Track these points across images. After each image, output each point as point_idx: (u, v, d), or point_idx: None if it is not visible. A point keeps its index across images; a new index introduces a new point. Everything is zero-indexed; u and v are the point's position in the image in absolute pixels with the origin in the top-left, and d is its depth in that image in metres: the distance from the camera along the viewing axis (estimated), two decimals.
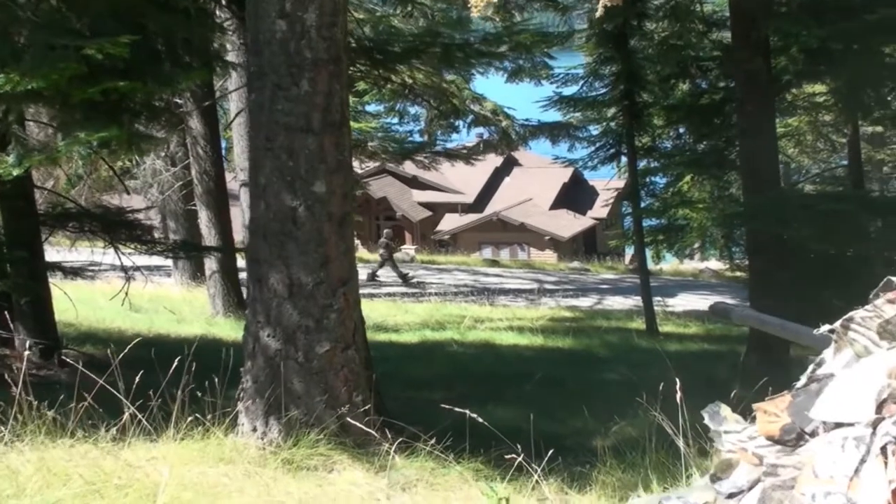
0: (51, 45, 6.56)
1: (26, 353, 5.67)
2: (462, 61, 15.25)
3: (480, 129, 22.23)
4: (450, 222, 43.99)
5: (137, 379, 5.00)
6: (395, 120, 25.38)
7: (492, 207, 43.75)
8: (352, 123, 7.05)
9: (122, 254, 10.60)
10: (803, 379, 2.74)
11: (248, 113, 9.76)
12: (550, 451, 4.78)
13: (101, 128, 7.10)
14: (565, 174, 40.54)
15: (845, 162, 20.11)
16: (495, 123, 20.52)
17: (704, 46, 17.33)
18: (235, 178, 17.53)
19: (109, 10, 7.09)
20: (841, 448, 2.37)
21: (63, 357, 9.38)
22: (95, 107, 7.05)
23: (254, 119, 6.40)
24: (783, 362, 11.06)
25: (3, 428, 4.74)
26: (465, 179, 40.82)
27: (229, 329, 14.46)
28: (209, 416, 5.32)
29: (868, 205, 12.84)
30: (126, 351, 5.30)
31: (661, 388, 5.12)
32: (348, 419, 5.88)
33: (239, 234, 17.18)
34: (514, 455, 4.58)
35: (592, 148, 20.45)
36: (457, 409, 4.89)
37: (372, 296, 21.80)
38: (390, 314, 18.74)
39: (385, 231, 29.66)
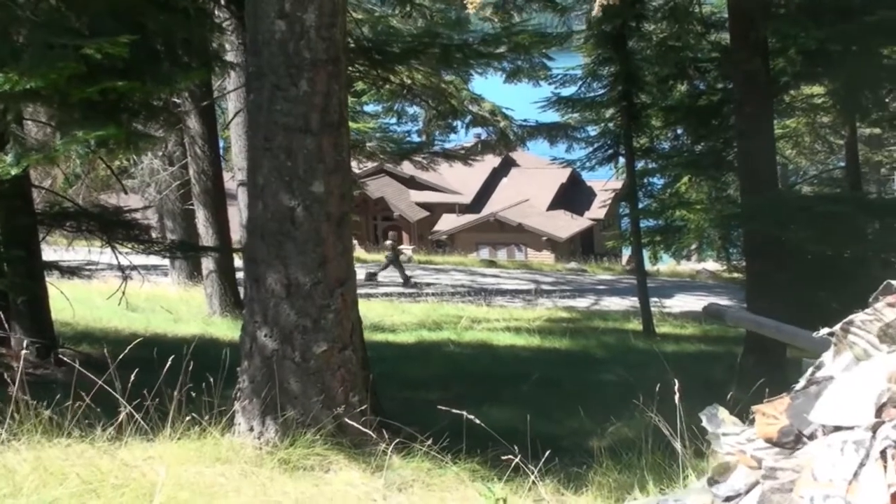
0: (50, 45, 6.55)
1: (23, 352, 5.66)
2: (461, 62, 15.24)
3: (478, 130, 22.25)
4: (447, 223, 43.99)
5: (133, 378, 4.99)
6: (394, 120, 25.39)
7: (489, 208, 43.74)
8: (350, 123, 7.04)
9: (120, 253, 10.59)
10: (802, 381, 2.74)
11: (246, 113, 9.74)
12: (547, 452, 4.78)
13: (99, 127, 7.09)
14: (563, 175, 40.54)
15: (843, 163, 20.14)
16: (493, 124, 20.52)
17: (703, 48, 17.36)
18: (233, 178, 17.50)
19: (108, 10, 7.08)
20: (840, 451, 2.37)
21: (59, 356, 9.37)
22: (94, 106, 7.04)
23: (252, 119, 6.39)
24: (780, 364, 11.07)
25: None
26: (462, 180, 40.82)
27: (226, 329, 14.45)
28: (206, 416, 5.32)
29: (865, 206, 12.87)
30: (123, 350, 5.30)
31: (657, 389, 5.13)
32: (345, 419, 5.88)
33: (236, 234, 17.16)
34: (510, 456, 4.58)
35: (590, 149, 20.47)
36: (454, 410, 4.89)
37: (369, 296, 21.79)
38: (387, 314, 18.74)
39: (391, 233, 29.67)
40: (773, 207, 12.06)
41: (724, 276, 26.97)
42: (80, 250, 13.58)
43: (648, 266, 25.46)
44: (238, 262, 16.66)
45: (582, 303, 24.02)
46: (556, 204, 43.39)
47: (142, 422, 5.00)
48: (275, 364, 6.03)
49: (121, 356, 5.16)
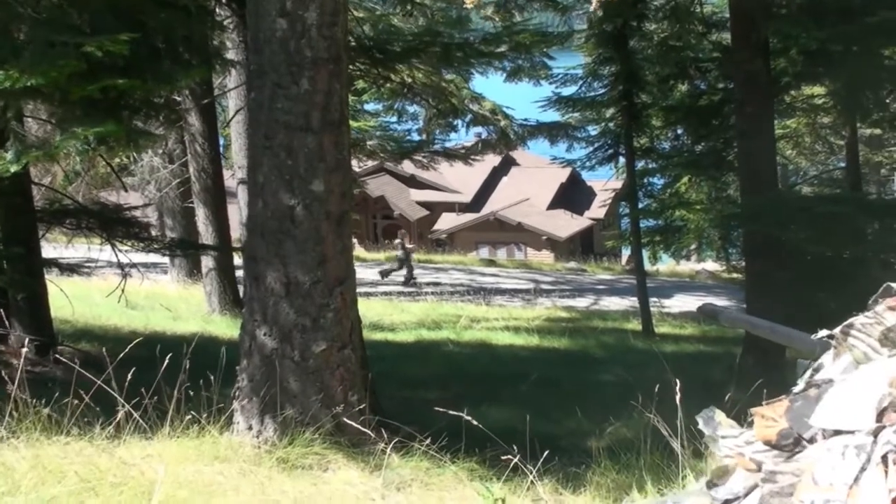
0: (50, 42, 6.55)
1: (23, 349, 5.66)
2: (461, 61, 15.22)
3: (479, 129, 22.23)
4: (447, 221, 43.98)
5: (129, 376, 4.99)
6: (394, 119, 25.36)
7: (489, 207, 43.74)
8: (350, 122, 7.04)
9: (119, 251, 10.59)
10: (801, 384, 2.73)
11: (247, 111, 9.75)
12: (546, 452, 4.78)
13: (99, 124, 7.09)
14: (563, 174, 40.55)
15: (843, 164, 20.14)
16: (494, 123, 20.52)
17: (704, 47, 17.36)
18: (233, 176, 17.50)
19: (109, 7, 7.07)
20: (841, 456, 2.36)
21: (58, 354, 9.36)
22: (95, 104, 7.04)
23: (253, 117, 6.40)
24: (779, 365, 11.07)
25: None
26: (462, 179, 40.80)
27: (225, 327, 14.45)
28: (205, 415, 5.31)
29: (865, 207, 12.87)
30: (122, 348, 5.30)
31: (656, 389, 5.13)
32: (344, 418, 5.88)
33: (236, 232, 17.17)
34: (509, 455, 4.58)
35: (591, 148, 20.49)
36: (452, 412, 4.89)
37: (368, 295, 21.79)
38: (386, 313, 18.74)
39: (400, 231, 29.71)
40: (774, 208, 12.07)
41: (723, 277, 27.02)
42: (80, 247, 13.55)
43: (648, 266, 25.47)
44: (238, 260, 16.67)
45: (581, 302, 24.02)
46: (555, 203, 43.37)
47: (140, 420, 5.00)
48: (274, 363, 6.02)
49: (120, 354, 5.16)
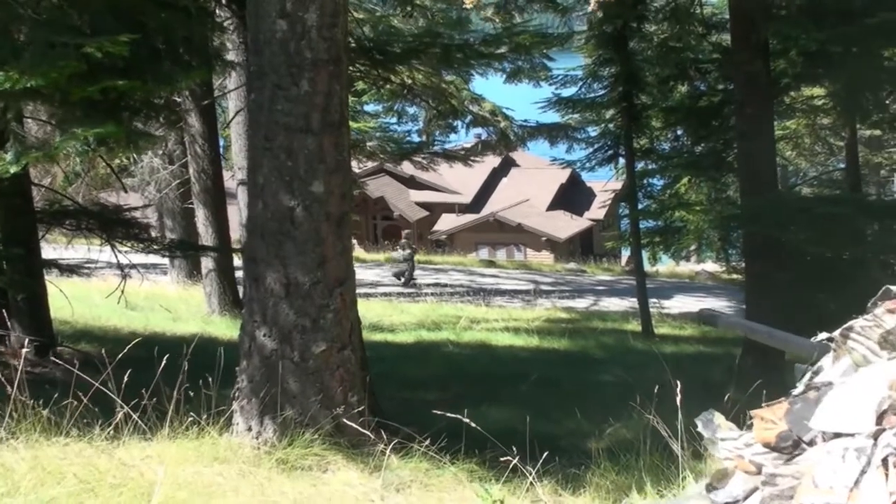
0: (51, 43, 6.55)
1: (23, 350, 5.66)
2: (461, 62, 15.23)
3: (479, 130, 22.26)
4: (447, 222, 43.96)
5: (129, 377, 4.99)
6: (394, 120, 25.37)
7: (489, 208, 43.72)
8: (350, 123, 7.04)
9: (119, 251, 10.59)
10: (801, 386, 2.73)
11: (247, 112, 9.74)
12: (545, 453, 4.78)
13: (99, 124, 7.09)
14: (563, 175, 40.53)
15: (843, 165, 20.16)
16: (494, 124, 20.53)
17: (704, 49, 17.35)
18: (233, 177, 17.50)
19: (109, 8, 7.07)
20: (841, 458, 2.36)
21: (57, 355, 9.36)
22: (95, 105, 7.04)
23: (253, 118, 6.39)
24: (778, 366, 11.01)
25: None
26: (462, 180, 40.80)
27: (225, 328, 14.44)
28: (204, 416, 5.31)
29: (865, 208, 12.87)
30: (121, 349, 5.30)
31: (656, 390, 5.13)
32: (343, 419, 5.89)
33: (236, 233, 17.15)
34: (508, 457, 4.58)
35: (590, 149, 20.47)
36: (451, 414, 4.89)
37: (368, 296, 21.78)
38: (386, 314, 18.73)
39: (405, 231, 29.70)
40: (773, 209, 12.07)
41: (723, 278, 27.05)
42: (80, 248, 13.55)
43: (647, 267, 25.47)
44: (237, 261, 16.66)
45: (581, 303, 24.01)
46: (555, 204, 43.37)
47: (140, 421, 5.00)
48: (274, 364, 6.02)
49: (119, 355, 5.16)
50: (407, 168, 32.01)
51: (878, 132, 21.56)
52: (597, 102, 19.58)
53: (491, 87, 22.45)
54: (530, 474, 4.57)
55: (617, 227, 28.21)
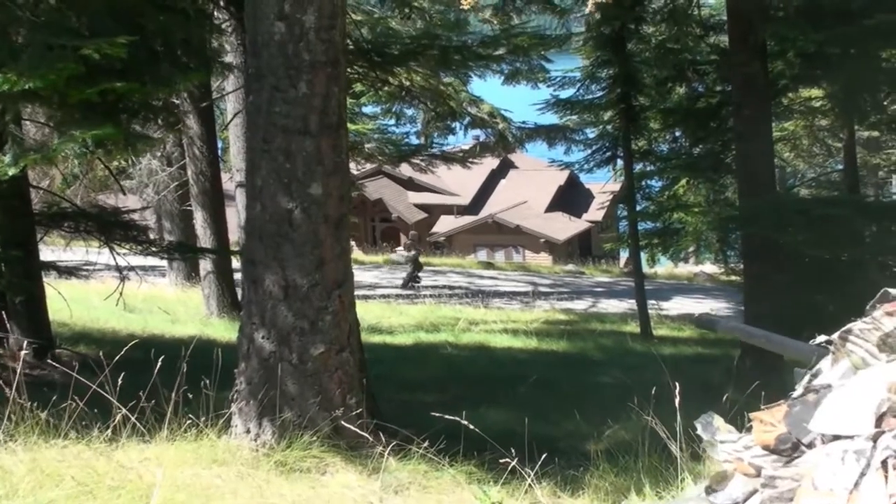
0: (49, 45, 6.54)
1: (21, 352, 5.65)
2: (459, 63, 15.23)
3: (477, 132, 22.24)
4: (445, 224, 44.00)
5: (121, 380, 4.97)
6: (392, 122, 25.34)
7: (487, 210, 43.76)
8: (348, 125, 7.04)
9: (117, 254, 10.57)
10: (800, 389, 2.73)
11: (245, 114, 9.74)
12: (544, 455, 4.78)
13: (97, 127, 7.08)
14: (561, 177, 40.59)
15: (841, 166, 20.18)
16: (492, 126, 20.53)
17: (701, 50, 17.38)
18: (231, 179, 17.51)
19: (108, 10, 7.08)
20: (841, 461, 2.36)
21: (56, 357, 9.35)
22: (93, 107, 7.04)
23: (251, 120, 6.39)
24: (777, 367, 11.05)
25: None
26: (460, 181, 40.85)
27: (223, 330, 14.44)
28: (202, 418, 5.31)
29: (863, 209, 12.86)
30: (120, 351, 5.29)
31: (654, 391, 5.13)
32: (342, 422, 5.87)
33: (234, 235, 17.15)
34: (507, 458, 4.58)
35: (589, 151, 20.51)
36: (449, 416, 4.88)
37: (366, 297, 21.79)
38: (384, 316, 18.74)
39: (411, 233, 29.71)
40: (772, 210, 12.06)
41: (721, 279, 27.05)
42: (78, 251, 13.54)
43: (646, 268, 25.49)
44: (236, 263, 16.65)
45: (579, 305, 24.02)
46: (554, 206, 43.41)
47: (138, 424, 4.99)
48: (272, 366, 6.02)
49: (118, 357, 5.15)
50: (405, 170, 32.03)
51: (876, 133, 21.58)
52: (595, 104, 19.61)
53: (489, 88, 22.44)
54: (529, 476, 4.57)
55: (615, 228, 28.28)
